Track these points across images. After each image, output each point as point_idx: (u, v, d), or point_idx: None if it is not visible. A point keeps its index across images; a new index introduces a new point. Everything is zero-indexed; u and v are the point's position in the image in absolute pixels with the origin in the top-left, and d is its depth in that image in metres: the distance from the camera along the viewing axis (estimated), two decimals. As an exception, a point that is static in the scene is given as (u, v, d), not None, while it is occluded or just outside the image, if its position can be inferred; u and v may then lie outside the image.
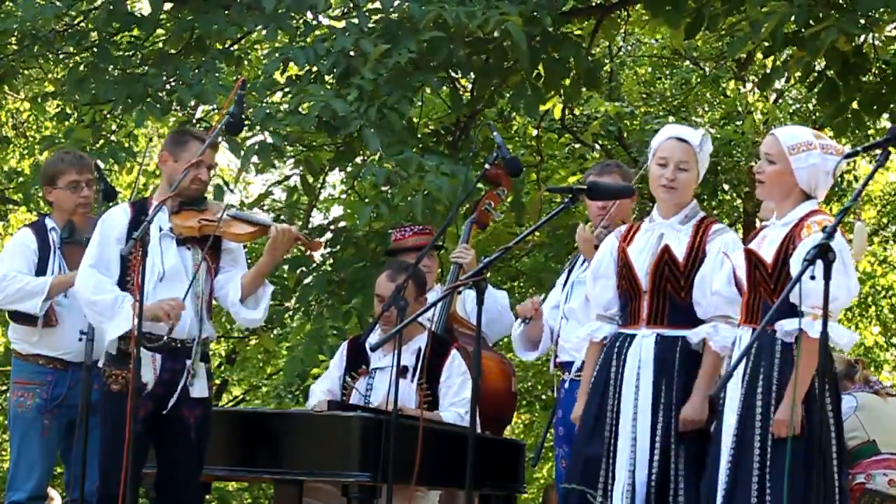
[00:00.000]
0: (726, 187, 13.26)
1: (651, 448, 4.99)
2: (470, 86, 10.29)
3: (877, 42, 8.82)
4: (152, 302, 5.32)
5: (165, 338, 5.37)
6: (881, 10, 8.18)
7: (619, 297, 5.24)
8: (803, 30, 8.03)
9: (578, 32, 10.01)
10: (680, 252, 5.12)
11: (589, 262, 5.60)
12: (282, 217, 10.01)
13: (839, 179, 13.45)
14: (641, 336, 5.11)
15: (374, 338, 6.06)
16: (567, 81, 9.18)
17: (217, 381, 14.42)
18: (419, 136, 9.37)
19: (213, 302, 5.67)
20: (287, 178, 10.07)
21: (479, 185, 7.26)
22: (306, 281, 9.50)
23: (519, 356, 6.35)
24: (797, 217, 4.81)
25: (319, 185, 11.41)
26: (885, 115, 9.05)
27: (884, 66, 8.96)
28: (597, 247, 5.50)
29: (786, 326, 4.66)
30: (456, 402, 6.10)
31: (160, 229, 5.50)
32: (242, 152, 8.17)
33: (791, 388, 4.61)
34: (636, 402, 5.04)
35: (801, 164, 4.82)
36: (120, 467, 4.98)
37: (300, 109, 8.11)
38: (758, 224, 5.69)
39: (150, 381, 5.35)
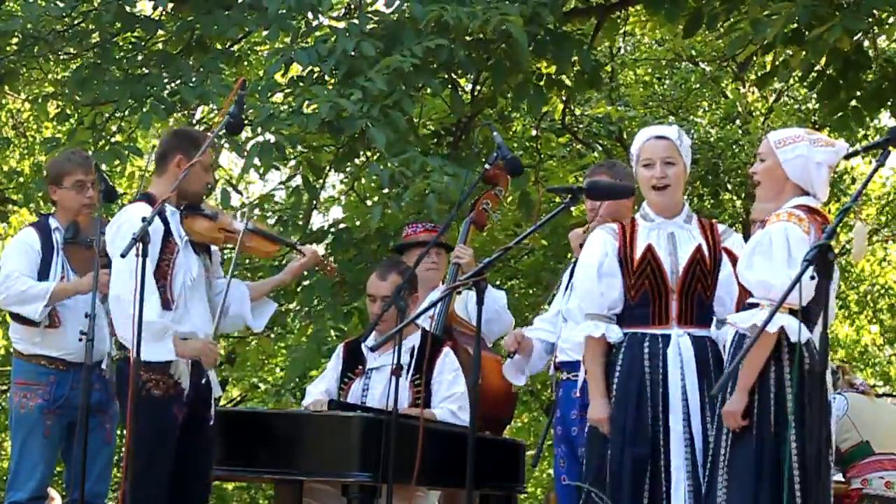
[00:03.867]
0: (729, 187, 13.27)
1: (704, 447, 4.96)
2: (470, 86, 10.31)
3: (878, 39, 8.83)
4: (201, 342, 5.41)
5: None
6: (885, 9, 8.19)
7: (630, 297, 5.17)
8: (806, 30, 8.03)
9: (580, 31, 10.02)
10: (707, 252, 5.15)
11: None
12: (284, 218, 10.03)
13: (838, 178, 13.47)
14: (676, 336, 5.08)
15: (371, 339, 6.07)
16: (570, 74, 9.21)
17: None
18: (420, 136, 9.39)
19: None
20: (290, 177, 10.09)
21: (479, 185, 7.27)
22: (307, 282, 9.51)
23: (510, 380, 6.33)
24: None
25: (320, 187, 11.42)
26: (886, 109, 9.06)
27: (884, 64, 8.97)
28: (582, 246, 5.46)
29: (740, 322, 4.70)
30: (448, 397, 6.07)
31: (181, 236, 5.53)
32: (245, 153, 8.19)
33: (741, 380, 4.65)
34: (685, 402, 5.01)
35: (787, 156, 4.85)
36: (153, 476, 5.05)
37: (303, 110, 8.12)
38: (752, 228, 5.68)
39: (187, 387, 5.41)
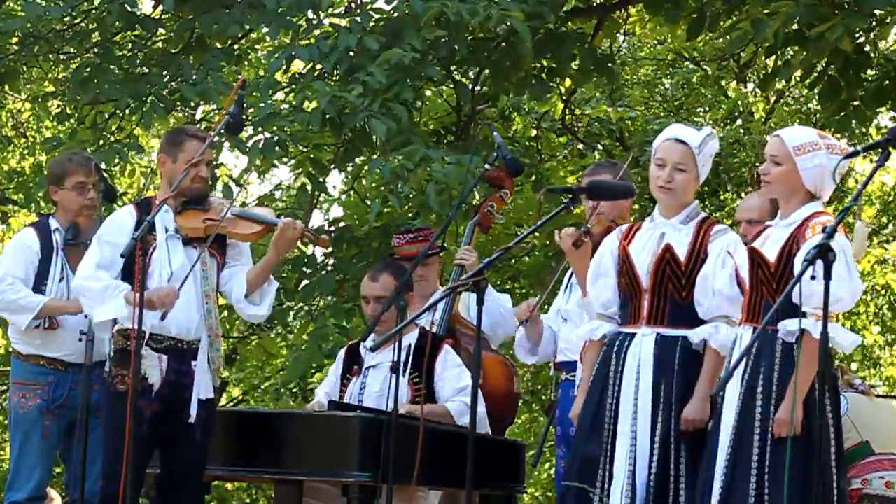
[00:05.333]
0: (730, 187, 13.25)
1: (651, 447, 4.97)
2: (471, 85, 10.30)
3: (879, 40, 8.81)
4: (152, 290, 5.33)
5: (166, 338, 5.39)
6: (886, 9, 8.17)
7: (618, 296, 5.21)
8: (807, 30, 8.01)
9: (580, 30, 10.02)
10: (681, 251, 5.09)
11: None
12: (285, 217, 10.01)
13: (840, 180, 13.44)
14: (641, 335, 5.07)
15: (370, 340, 6.05)
16: (572, 71, 9.22)
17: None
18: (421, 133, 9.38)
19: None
20: (296, 177, 10.09)
21: (480, 187, 7.27)
22: (308, 281, 9.51)
23: (521, 360, 6.34)
24: (801, 217, 4.81)
25: (323, 182, 11.43)
26: (887, 107, 9.05)
27: (884, 63, 8.95)
28: (576, 245, 5.45)
29: (788, 326, 4.66)
30: (459, 388, 6.04)
31: (165, 230, 5.50)
32: (248, 150, 8.18)
33: (792, 388, 4.61)
34: (636, 402, 5.01)
35: (807, 165, 4.82)
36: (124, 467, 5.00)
37: (304, 107, 8.12)
38: (741, 228, 5.66)
39: (156, 382, 5.37)
